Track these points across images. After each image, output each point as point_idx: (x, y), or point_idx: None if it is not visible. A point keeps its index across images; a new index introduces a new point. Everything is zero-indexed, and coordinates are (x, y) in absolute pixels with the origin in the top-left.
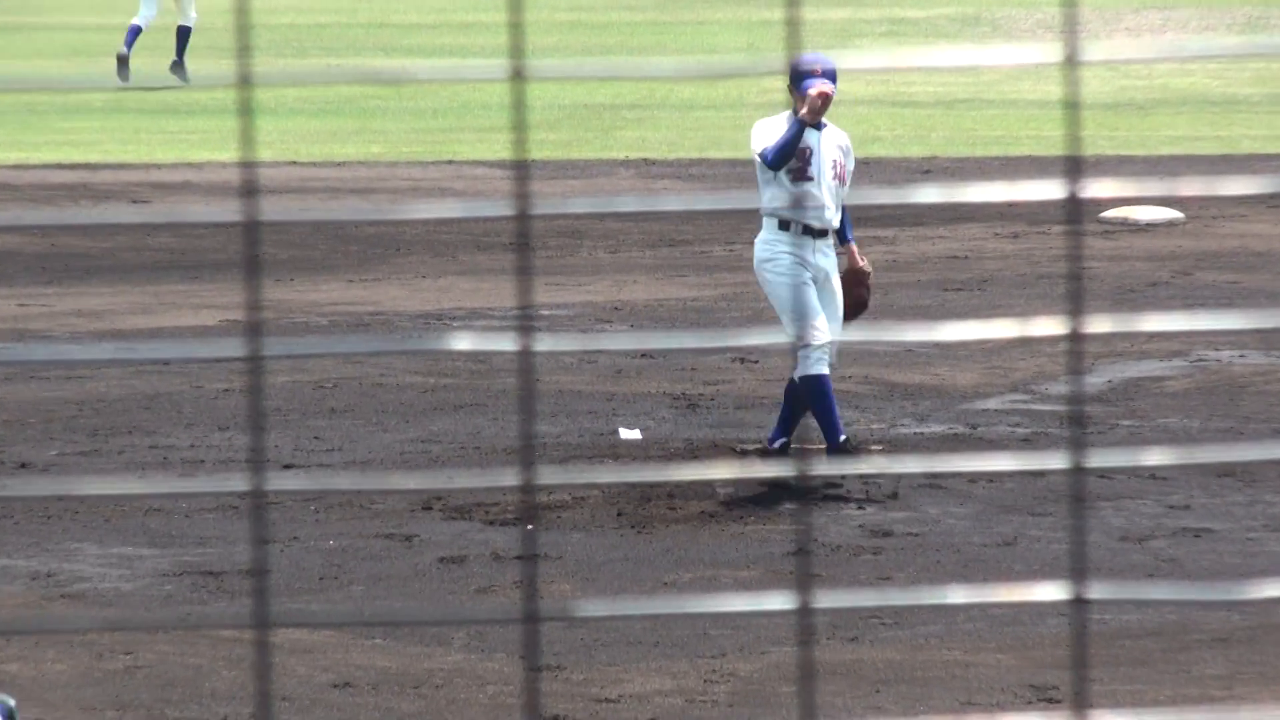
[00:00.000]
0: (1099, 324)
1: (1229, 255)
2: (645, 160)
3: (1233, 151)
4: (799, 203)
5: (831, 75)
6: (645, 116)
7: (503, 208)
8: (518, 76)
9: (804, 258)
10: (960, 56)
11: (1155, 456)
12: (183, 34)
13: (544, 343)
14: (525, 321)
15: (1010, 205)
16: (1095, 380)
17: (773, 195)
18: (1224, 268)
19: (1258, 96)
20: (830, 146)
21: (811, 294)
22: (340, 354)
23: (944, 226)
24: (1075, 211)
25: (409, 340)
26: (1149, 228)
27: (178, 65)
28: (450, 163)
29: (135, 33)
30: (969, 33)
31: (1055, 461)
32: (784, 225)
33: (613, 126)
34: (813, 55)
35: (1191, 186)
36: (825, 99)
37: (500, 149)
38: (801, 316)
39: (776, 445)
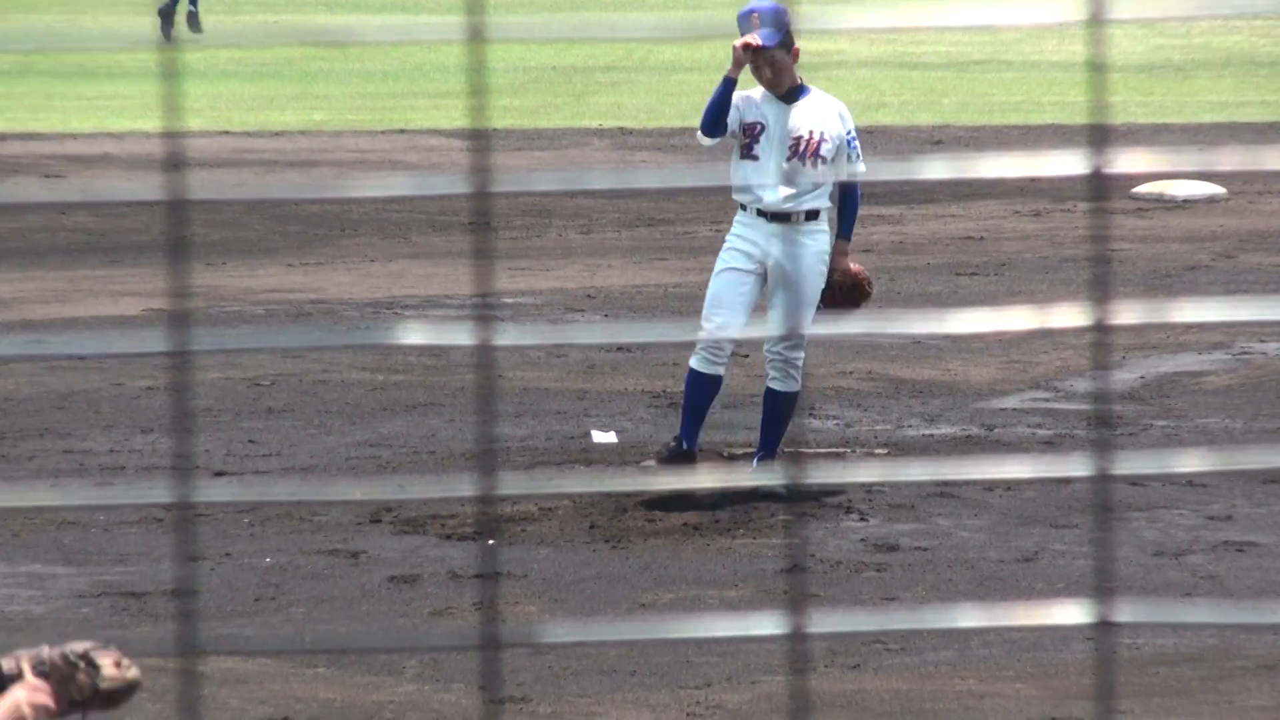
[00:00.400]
0: (1128, 313)
1: (1276, 235)
2: (621, 129)
3: None
4: (745, 181)
5: (774, 21)
6: (621, 80)
7: (460, 183)
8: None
9: (754, 241)
10: (973, 14)
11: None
12: None
13: (506, 335)
14: (485, 311)
15: (1031, 180)
16: (1126, 376)
17: (731, 170)
18: (1271, 249)
19: None
20: (803, 119)
21: (726, 284)
22: (278, 347)
23: (957, 204)
24: (1101, 187)
25: (355, 332)
26: (1187, 204)
27: (192, 16)
28: (402, 132)
29: None
30: None
31: (1079, 467)
32: (742, 205)
33: (585, 92)
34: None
35: (1233, 159)
36: (747, 49)
37: (458, 117)
38: (707, 303)
39: (756, 463)
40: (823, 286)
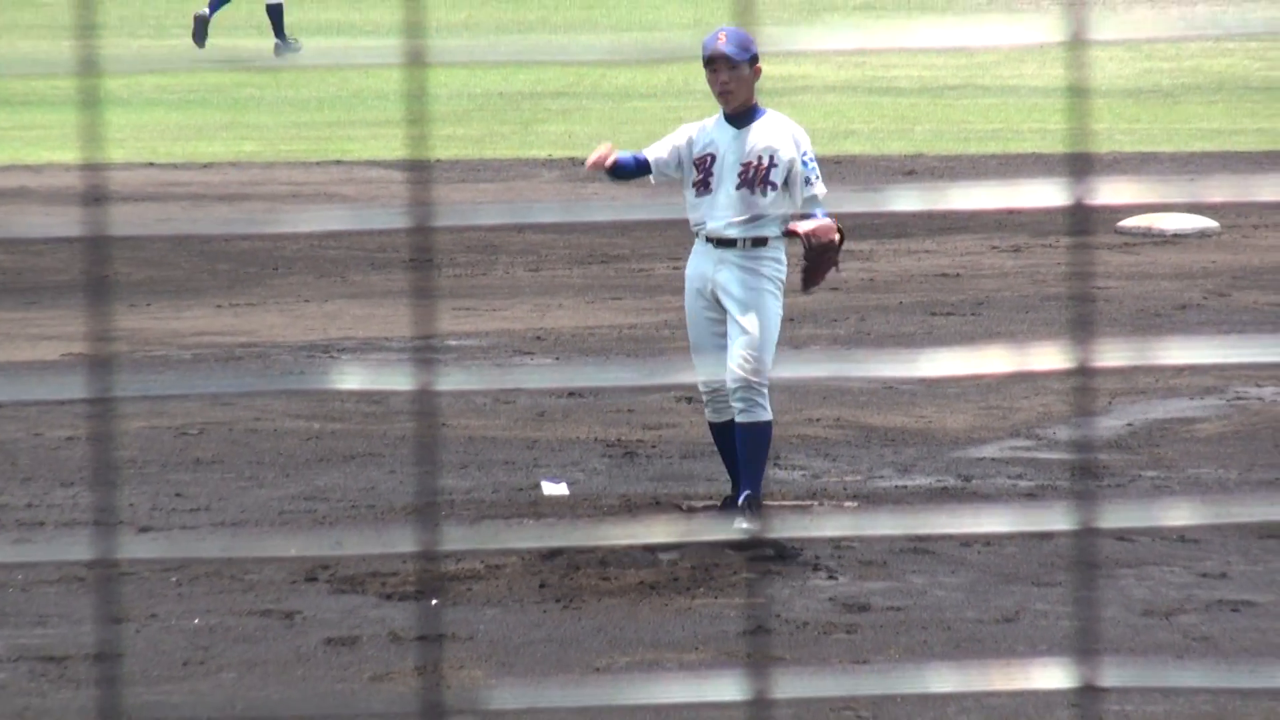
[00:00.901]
0: (1112, 355)
1: (1273, 272)
2: (572, 160)
3: (1276, 147)
4: (694, 207)
5: (739, 39)
6: (572, 107)
7: (399, 218)
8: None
9: (702, 272)
10: (945, 35)
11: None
12: (274, 12)
13: (449, 379)
14: (426, 354)
15: (1010, 213)
16: (1113, 423)
17: (684, 198)
18: (1267, 286)
19: None
20: (752, 143)
21: (698, 330)
22: (207, 394)
23: (931, 239)
24: (1083, 220)
25: (289, 377)
26: (1177, 239)
27: (281, 45)
28: (339, 163)
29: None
30: (960, 5)
31: (1062, 520)
32: (695, 231)
33: (533, 119)
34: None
35: (1221, 190)
36: (596, 168)
37: (398, 147)
38: (692, 349)
39: (741, 499)
40: (777, 311)
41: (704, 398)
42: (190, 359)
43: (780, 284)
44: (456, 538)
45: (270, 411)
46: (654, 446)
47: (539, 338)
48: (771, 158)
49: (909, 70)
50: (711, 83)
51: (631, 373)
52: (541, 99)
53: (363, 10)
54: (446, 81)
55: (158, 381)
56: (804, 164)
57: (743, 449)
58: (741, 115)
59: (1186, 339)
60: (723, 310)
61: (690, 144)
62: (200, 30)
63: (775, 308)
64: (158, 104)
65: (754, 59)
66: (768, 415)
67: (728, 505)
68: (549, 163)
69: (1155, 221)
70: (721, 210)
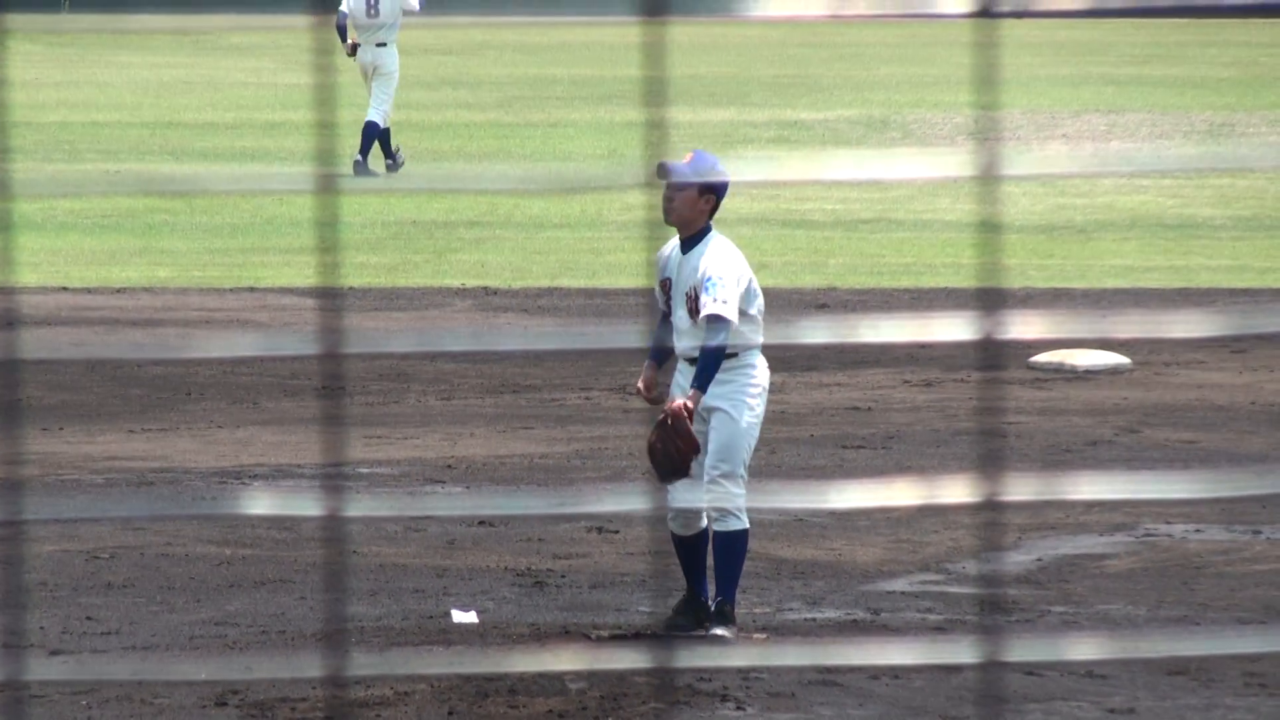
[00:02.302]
0: (1020, 489)
1: (1185, 409)
2: (485, 289)
3: (1190, 284)
4: (665, 330)
5: (697, 165)
6: (486, 237)
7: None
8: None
9: (683, 388)
10: (851, 168)
11: (1084, 649)
12: (370, 130)
13: (357, 506)
14: (334, 481)
15: (921, 347)
16: (1022, 558)
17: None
18: (1179, 424)
19: (1220, 219)
20: (692, 271)
21: None
22: (117, 518)
23: (843, 372)
24: (993, 355)
25: (197, 503)
26: (1089, 375)
27: (391, 164)
28: (252, 290)
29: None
30: (874, 139)
31: (966, 654)
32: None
33: (447, 249)
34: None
35: (1129, 327)
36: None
37: (311, 274)
38: None
39: (713, 605)
40: (752, 422)
41: (670, 509)
42: (102, 483)
43: (755, 392)
44: (366, 664)
45: (182, 537)
46: (564, 576)
47: (449, 466)
48: (696, 289)
49: (823, 204)
50: (663, 206)
51: (540, 501)
52: (455, 228)
53: (278, 138)
54: (360, 209)
55: (69, 505)
56: (706, 289)
57: (718, 556)
58: (689, 240)
59: (1096, 475)
60: (704, 425)
61: (658, 269)
62: (362, 171)
63: (748, 416)
64: (71, 228)
65: (706, 188)
66: (742, 524)
67: (683, 608)
68: (462, 291)
69: (1067, 358)
70: (682, 334)
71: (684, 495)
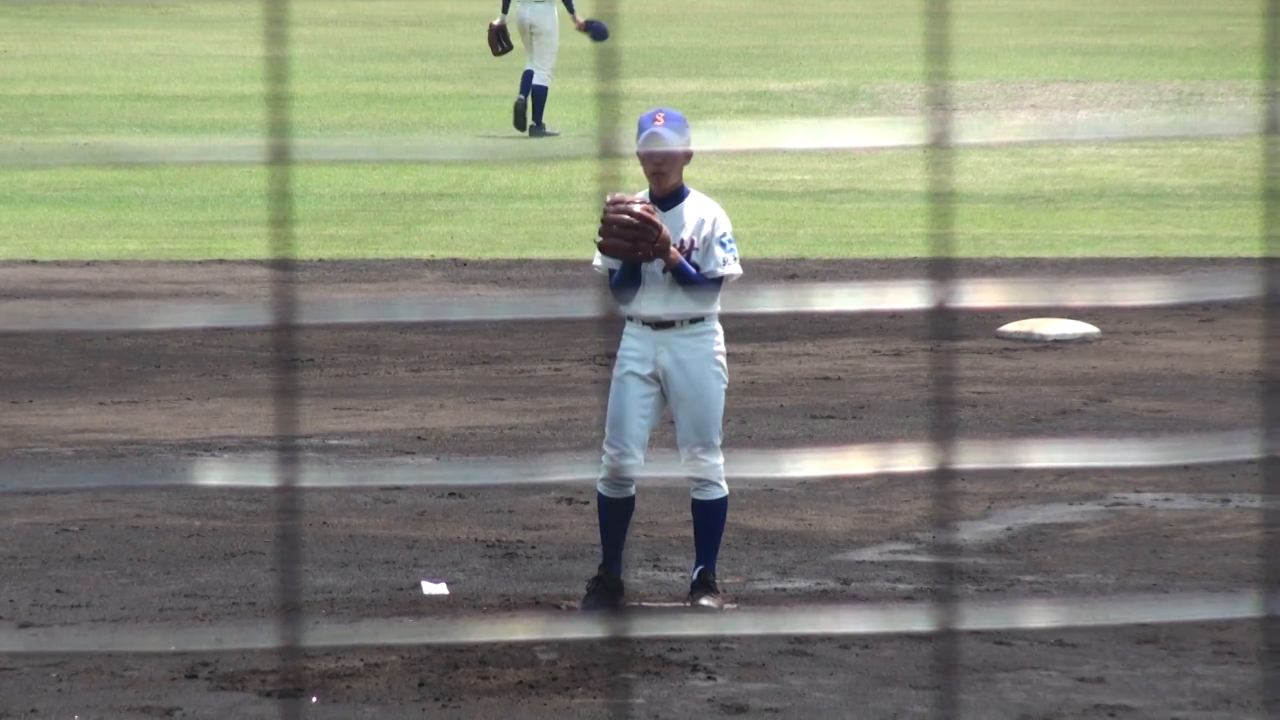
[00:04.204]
0: (973, 457)
1: (1153, 378)
2: (455, 261)
3: (1158, 254)
4: (625, 291)
5: (670, 129)
6: (455, 208)
7: (260, 315)
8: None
9: (643, 352)
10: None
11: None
12: (538, 93)
13: (311, 476)
14: (288, 452)
15: (891, 317)
16: (992, 527)
17: (611, 280)
18: (1146, 393)
19: (1188, 188)
20: (680, 225)
21: (623, 403)
22: (87, 490)
23: (812, 342)
24: (944, 324)
25: (150, 472)
26: (1057, 344)
27: (536, 128)
28: (221, 262)
29: (530, 78)
30: (843, 109)
31: (920, 622)
32: (628, 315)
33: (416, 220)
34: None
35: (1082, 294)
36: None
37: (279, 246)
38: (608, 424)
39: (695, 574)
40: (722, 389)
41: (603, 471)
42: (72, 455)
43: (720, 358)
44: (335, 635)
45: (151, 509)
46: (534, 547)
47: (419, 437)
48: (692, 240)
49: (792, 174)
50: (645, 162)
51: (510, 472)
52: (425, 200)
53: (247, 110)
54: (330, 181)
55: (38, 477)
56: (722, 244)
57: (700, 525)
58: (669, 196)
59: (1053, 444)
60: (650, 386)
61: None
62: (520, 117)
63: (719, 386)
64: (40, 201)
65: (687, 141)
66: (723, 492)
67: (595, 587)
68: (431, 263)
69: (1036, 327)
70: (651, 292)
71: (629, 453)
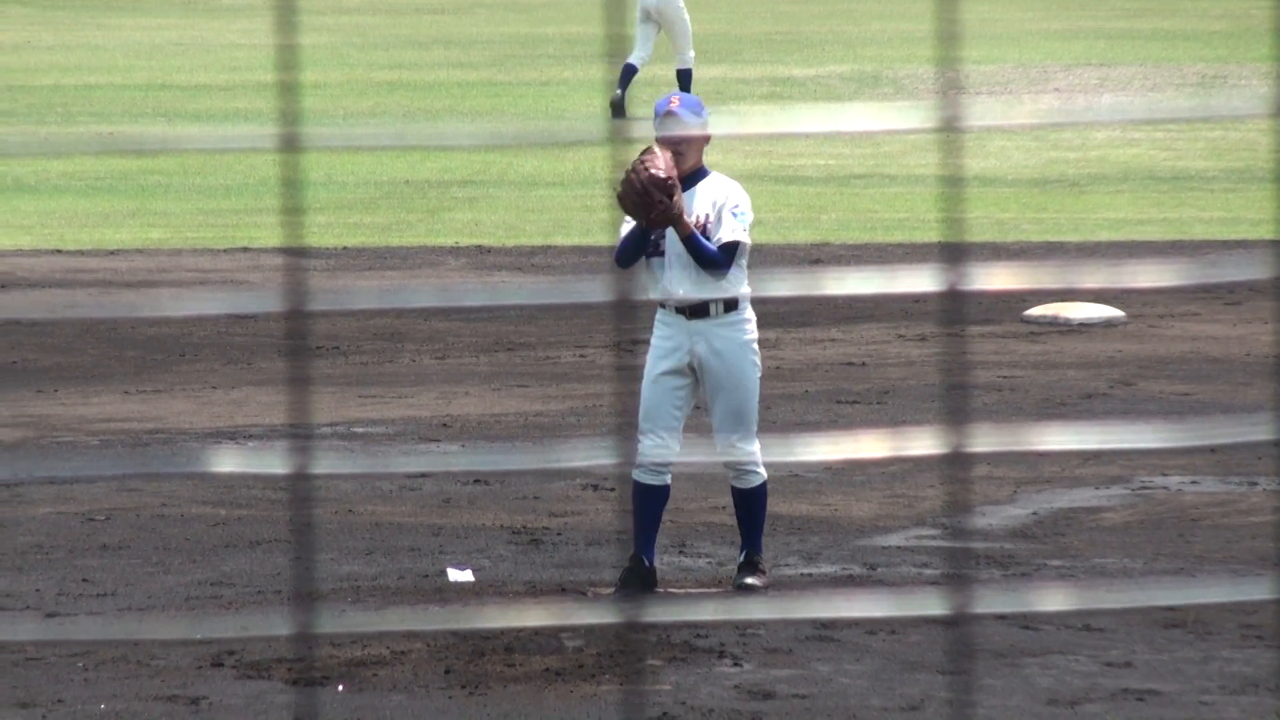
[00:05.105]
0: (997, 441)
1: (1179, 361)
2: (479, 248)
3: (1183, 236)
4: (654, 277)
5: (687, 109)
6: (479, 195)
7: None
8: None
9: (676, 340)
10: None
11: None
12: (684, 77)
13: (324, 463)
14: (301, 440)
15: (916, 301)
16: (1018, 511)
17: (640, 267)
18: (1173, 376)
19: (1213, 171)
20: (697, 204)
21: (657, 392)
22: (111, 478)
23: (837, 327)
24: (967, 308)
25: (176, 461)
26: (1083, 328)
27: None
28: (245, 250)
29: (630, 72)
30: (866, 94)
31: (935, 606)
32: (660, 303)
33: (440, 207)
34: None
35: (1095, 277)
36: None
37: (306, 234)
38: (640, 414)
39: (741, 556)
40: (758, 377)
41: (640, 459)
42: (97, 444)
43: (754, 346)
44: (361, 622)
45: (177, 498)
46: (559, 533)
47: (445, 425)
48: (709, 215)
49: (815, 159)
50: (661, 145)
51: (535, 458)
52: (449, 187)
53: (268, 99)
54: (354, 169)
55: (65, 466)
56: (734, 214)
57: (745, 512)
58: (688, 177)
59: (1088, 427)
60: (685, 376)
61: None
62: (618, 111)
63: (755, 375)
64: (65, 190)
65: (704, 123)
66: (762, 478)
67: (629, 578)
68: (456, 250)
69: (1061, 310)
70: (677, 273)
71: (664, 444)
